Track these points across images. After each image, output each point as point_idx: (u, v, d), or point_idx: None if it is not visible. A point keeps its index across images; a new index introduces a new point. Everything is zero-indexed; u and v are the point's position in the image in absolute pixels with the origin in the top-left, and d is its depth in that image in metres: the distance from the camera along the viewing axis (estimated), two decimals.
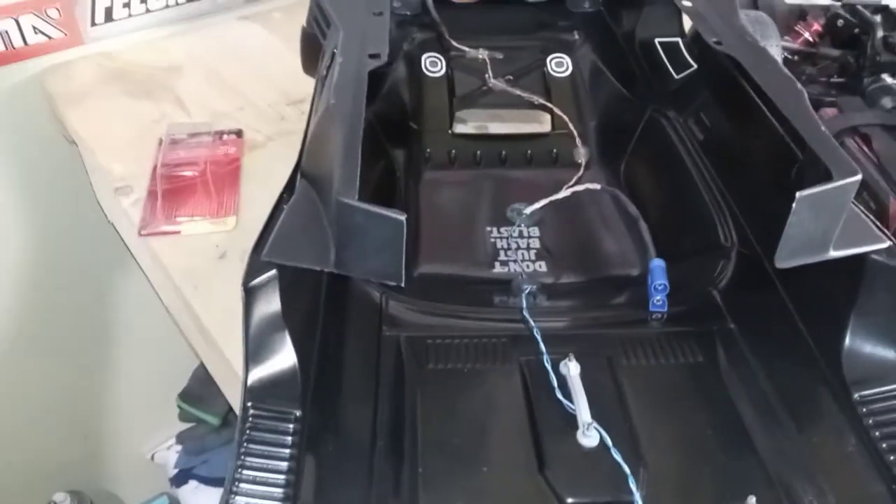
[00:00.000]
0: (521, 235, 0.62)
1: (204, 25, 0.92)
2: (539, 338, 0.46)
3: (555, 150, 0.69)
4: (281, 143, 0.75)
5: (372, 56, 0.51)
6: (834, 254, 0.40)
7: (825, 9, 0.81)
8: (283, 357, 0.40)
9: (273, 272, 0.40)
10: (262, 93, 0.82)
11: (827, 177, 0.39)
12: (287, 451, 0.38)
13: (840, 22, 0.77)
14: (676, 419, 0.44)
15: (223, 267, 0.62)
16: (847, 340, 0.42)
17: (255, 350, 0.40)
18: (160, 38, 0.90)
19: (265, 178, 0.70)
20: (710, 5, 0.61)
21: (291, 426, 0.39)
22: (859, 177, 0.39)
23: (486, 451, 0.42)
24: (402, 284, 0.40)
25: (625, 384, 0.45)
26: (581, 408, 0.41)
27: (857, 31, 0.76)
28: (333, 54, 0.53)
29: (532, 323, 0.48)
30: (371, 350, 0.46)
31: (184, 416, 1.16)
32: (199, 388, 1.13)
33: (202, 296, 0.59)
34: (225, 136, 0.74)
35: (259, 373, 0.40)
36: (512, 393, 0.44)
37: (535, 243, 0.61)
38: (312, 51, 0.66)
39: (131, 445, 1.19)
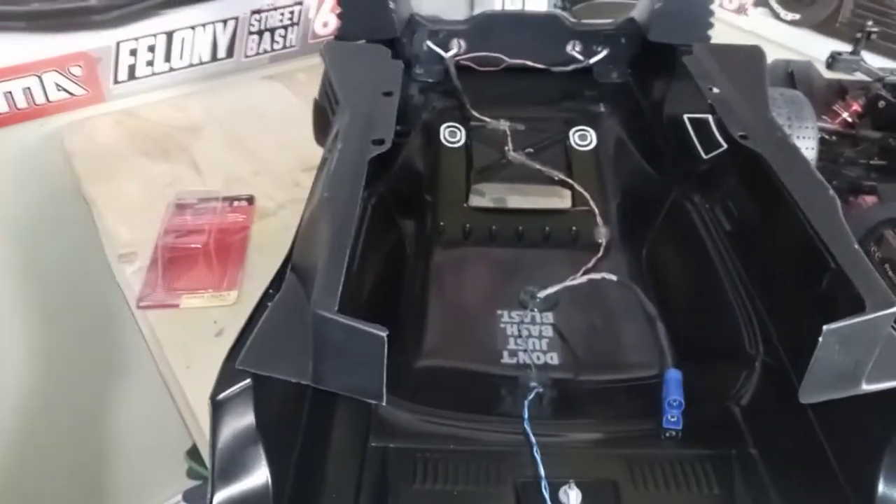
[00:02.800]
0: (533, 322, 0.58)
1: (227, 85, 0.92)
2: (539, 459, 0.42)
3: (574, 228, 0.66)
4: (292, 212, 0.73)
5: (375, 142, 0.49)
6: (867, 388, 0.36)
7: (865, 88, 0.77)
8: (256, 476, 0.37)
9: (247, 382, 0.37)
10: (279, 157, 0.80)
11: (858, 304, 0.36)
12: None
13: (881, 103, 0.73)
14: None
15: (219, 345, 0.59)
16: (881, 482, 0.37)
17: (223, 468, 0.37)
18: (181, 97, 0.90)
19: (273, 248, 0.68)
20: (738, 93, 0.58)
21: None
22: None
23: None
24: (384, 403, 0.37)
25: None
26: None
27: None
28: (335, 137, 0.51)
29: (533, 439, 0.44)
30: (355, 464, 0.43)
31: (191, 474, 1.13)
32: None
33: (194, 376, 0.57)
34: (235, 203, 0.72)
35: (227, 493, 0.37)
36: None
37: (548, 331, 0.57)
38: (323, 123, 0.64)
39: (139, 502, 1.17)
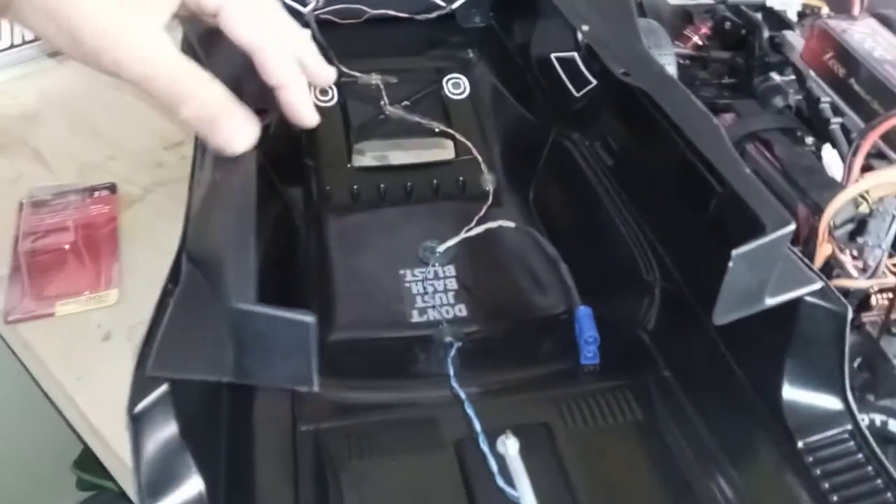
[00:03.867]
0: (436, 276, 0.58)
1: (58, 65, 0.83)
2: (472, 414, 0.42)
3: (461, 178, 0.66)
4: (162, 195, 0.68)
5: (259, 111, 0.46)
6: (770, 302, 0.38)
7: (710, 11, 0.81)
8: (188, 486, 0.35)
9: (164, 388, 0.34)
10: (135, 137, 0.74)
11: (756, 225, 0.38)
12: None
13: (727, 24, 0.77)
14: (623, 490, 0.41)
15: (108, 350, 0.55)
16: (785, 386, 0.41)
17: (151, 484, 0.34)
18: (9, 81, 0.80)
19: (148, 237, 0.63)
20: (609, 30, 0.59)
21: None
22: (793, 226, 0.37)
23: None
24: (316, 388, 0.35)
25: (565, 456, 0.42)
26: (525, 496, 0.38)
27: (743, 31, 0.76)
28: None
29: (462, 395, 0.44)
30: (287, 454, 0.41)
31: (82, 485, 1.06)
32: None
33: (87, 387, 0.52)
34: (96, 193, 0.66)
35: None
36: (450, 487, 0.40)
37: (453, 283, 0.57)
38: None
39: None
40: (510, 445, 0.40)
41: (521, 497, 0.38)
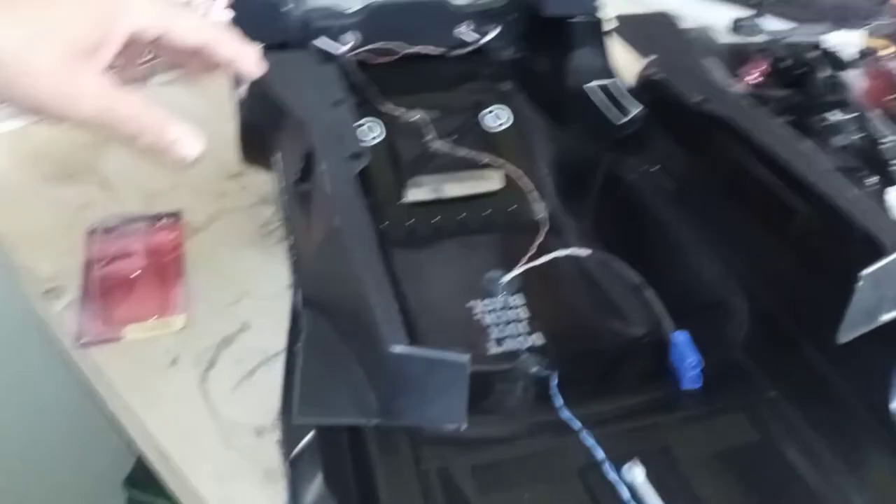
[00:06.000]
0: (505, 307, 0.58)
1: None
2: (593, 442, 0.42)
3: (513, 208, 0.67)
4: (225, 223, 0.70)
5: (353, 156, 0.47)
6: (883, 318, 0.39)
7: (764, 49, 0.81)
8: None
9: (312, 434, 0.35)
10: (197, 167, 0.76)
11: (871, 243, 0.38)
12: None
13: (785, 62, 0.77)
14: None
15: (176, 375, 0.56)
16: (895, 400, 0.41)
17: None
18: None
19: (212, 265, 0.65)
20: (674, 62, 0.60)
21: None
22: None
23: None
24: (465, 426, 0.36)
25: (692, 480, 0.42)
26: None
27: (801, 70, 0.77)
28: (308, 157, 0.48)
29: (579, 425, 0.44)
30: (416, 494, 0.41)
31: (132, 503, 1.07)
32: (147, 470, 1.05)
33: (155, 411, 0.54)
34: (162, 221, 0.68)
35: None
36: None
37: (525, 312, 0.57)
38: (256, 141, 0.61)
39: None
40: (637, 473, 0.40)
41: None
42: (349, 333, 0.38)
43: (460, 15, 0.78)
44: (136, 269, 0.62)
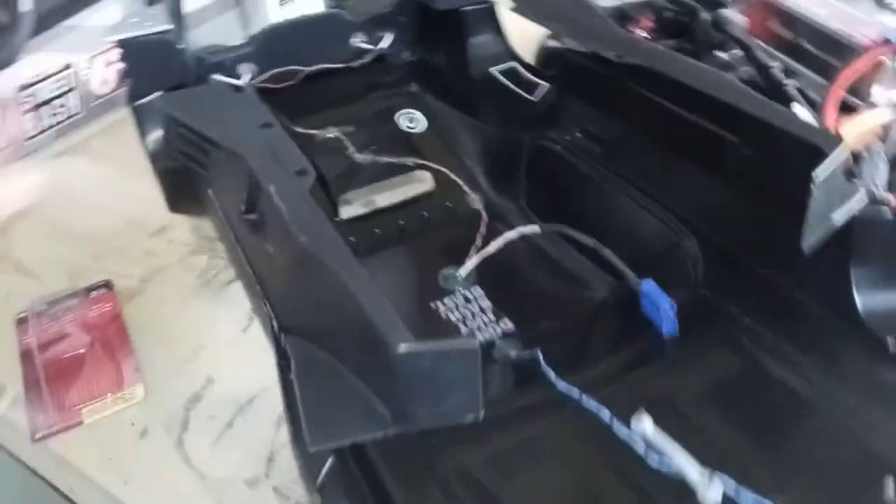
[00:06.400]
0: (467, 300, 0.58)
1: (17, 174, 0.81)
2: (598, 405, 0.42)
3: (448, 204, 0.67)
4: (160, 282, 0.67)
5: (300, 173, 0.46)
6: (837, 221, 0.40)
7: (646, 4, 0.84)
8: None
9: (331, 460, 0.34)
10: (115, 231, 0.73)
11: (810, 150, 0.40)
12: None
13: (668, 13, 0.80)
14: (765, 435, 0.42)
15: (149, 447, 0.53)
16: (857, 296, 0.42)
17: None
18: None
19: (158, 327, 0.62)
20: (579, 27, 0.61)
21: None
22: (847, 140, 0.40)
23: None
24: (481, 417, 0.36)
25: (697, 418, 0.43)
26: (685, 463, 0.38)
27: (684, 18, 0.80)
28: (251, 185, 0.47)
29: (577, 392, 0.43)
30: (439, 498, 0.40)
31: None
32: None
33: (137, 488, 0.51)
34: (93, 294, 0.64)
35: None
36: (607, 480, 0.40)
37: (486, 302, 0.57)
38: (181, 186, 0.58)
39: None
40: (646, 422, 0.41)
41: (681, 466, 0.38)
42: (344, 349, 0.37)
43: (352, 26, 0.78)
44: (79, 348, 0.59)
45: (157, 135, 0.64)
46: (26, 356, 0.59)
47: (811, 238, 0.41)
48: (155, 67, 0.63)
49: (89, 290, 0.65)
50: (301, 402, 0.35)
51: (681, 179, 0.54)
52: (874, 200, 0.44)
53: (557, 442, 0.43)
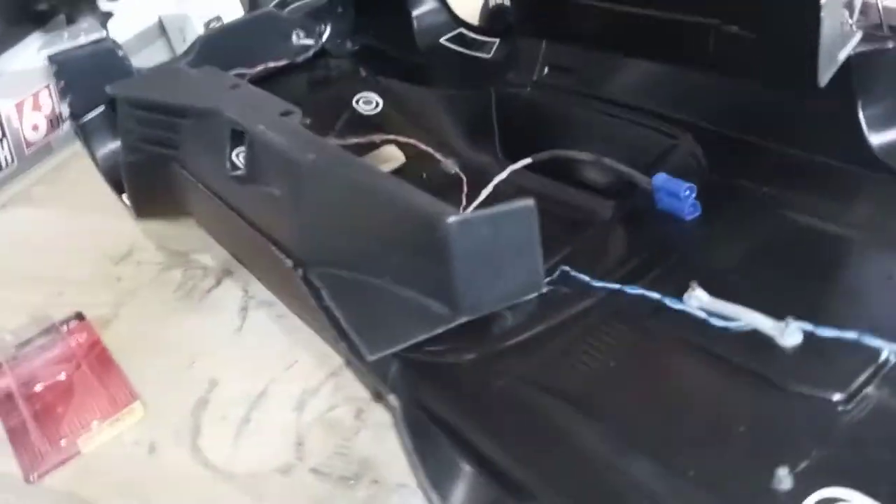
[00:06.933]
0: None
1: None
2: (642, 290, 0.40)
3: (424, 175, 0.65)
4: (135, 305, 0.62)
5: (284, 114, 0.43)
6: (842, 58, 0.40)
7: None
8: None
9: (396, 365, 0.34)
10: (77, 266, 0.68)
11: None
12: None
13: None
14: (816, 281, 0.41)
15: (160, 461, 0.48)
16: (870, 136, 0.44)
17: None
18: None
19: (143, 346, 0.57)
20: None
21: None
22: None
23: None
24: (543, 289, 0.34)
25: (743, 281, 0.41)
26: (755, 318, 0.36)
27: None
28: (234, 138, 0.43)
29: (617, 285, 0.41)
30: (518, 408, 0.37)
31: None
32: None
33: None
34: (65, 327, 0.59)
35: None
36: (684, 360, 0.38)
37: None
38: (146, 182, 0.54)
39: None
40: (700, 293, 0.39)
41: (751, 321, 0.37)
42: (380, 259, 0.33)
43: (291, 22, 0.77)
44: (62, 381, 0.54)
45: (108, 148, 0.60)
46: (7, 399, 0.53)
47: (825, 69, 0.40)
48: (97, 78, 0.60)
49: (60, 323, 0.59)
50: (344, 321, 0.32)
51: (660, 81, 0.54)
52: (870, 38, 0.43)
53: (611, 335, 0.40)
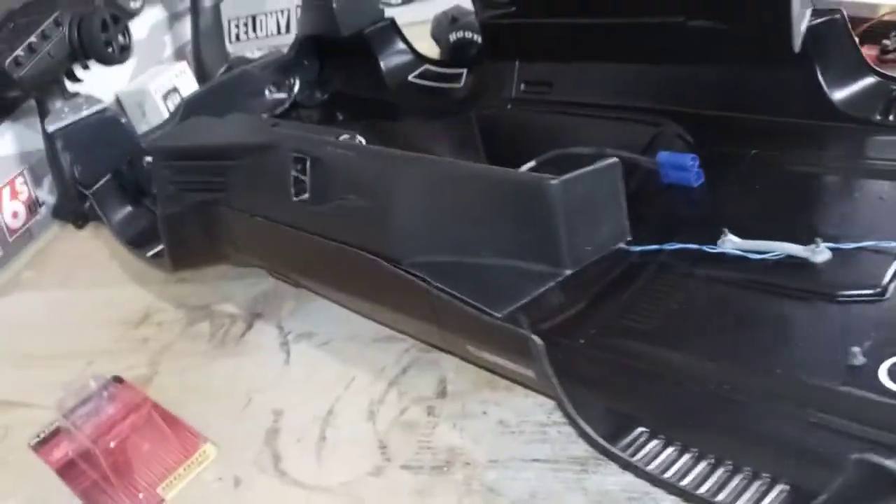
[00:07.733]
0: None
1: None
2: (678, 246, 0.45)
3: None
4: (171, 359, 0.63)
5: (347, 136, 0.46)
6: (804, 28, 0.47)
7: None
8: None
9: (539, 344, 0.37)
10: (96, 338, 0.68)
11: None
12: None
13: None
14: (826, 208, 0.48)
15: (249, 493, 0.49)
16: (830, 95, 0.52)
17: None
18: None
19: (195, 394, 0.58)
20: None
21: None
22: None
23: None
24: (629, 236, 0.40)
25: (763, 223, 0.46)
26: (786, 246, 0.42)
27: None
28: (296, 167, 0.46)
29: (654, 245, 0.46)
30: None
31: None
32: None
33: None
34: (105, 393, 0.59)
35: None
36: (721, 293, 0.43)
37: None
38: (187, 231, 0.56)
39: None
40: (730, 236, 0.45)
41: (783, 250, 0.43)
42: (480, 239, 0.37)
43: (262, 79, 0.80)
44: (123, 438, 0.54)
45: (123, 212, 0.62)
46: (68, 468, 0.54)
47: (797, 40, 0.47)
48: (103, 147, 0.62)
49: (100, 389, 0.60)
50: (462, 293, 0.36)
51: (634, 78, 0.60)
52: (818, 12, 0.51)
53: (664, 287, 0.45)
